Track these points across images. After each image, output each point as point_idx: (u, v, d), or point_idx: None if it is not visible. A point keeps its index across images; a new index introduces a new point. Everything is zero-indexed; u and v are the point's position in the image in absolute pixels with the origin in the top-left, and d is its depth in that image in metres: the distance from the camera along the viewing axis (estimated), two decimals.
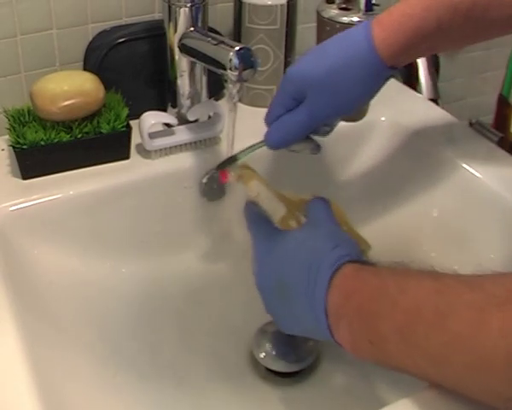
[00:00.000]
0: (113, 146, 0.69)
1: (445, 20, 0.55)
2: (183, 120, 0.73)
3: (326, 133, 0.61)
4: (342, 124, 0.79)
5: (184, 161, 0.71)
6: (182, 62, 0.70)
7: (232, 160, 0.61)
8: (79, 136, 0.67)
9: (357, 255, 0.50)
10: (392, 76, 0.61)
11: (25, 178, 0.67)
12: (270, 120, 0.60)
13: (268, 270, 0.55)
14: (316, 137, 0.61)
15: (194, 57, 0.68)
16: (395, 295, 0.44)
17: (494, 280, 0.41)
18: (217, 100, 0.79)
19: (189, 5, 0.67)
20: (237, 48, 0.60)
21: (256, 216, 0.59)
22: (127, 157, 0.71)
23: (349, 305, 0.46)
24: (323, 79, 0.57)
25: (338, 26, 0.74)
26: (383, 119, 0.79)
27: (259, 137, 0.76)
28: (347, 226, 0.58)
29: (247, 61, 0.60)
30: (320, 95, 0.57)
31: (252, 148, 0.61)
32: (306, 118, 0.58)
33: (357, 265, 0.48)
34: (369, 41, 0.56)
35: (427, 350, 0.41)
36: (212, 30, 0.73)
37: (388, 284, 0.45)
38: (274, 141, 0.60)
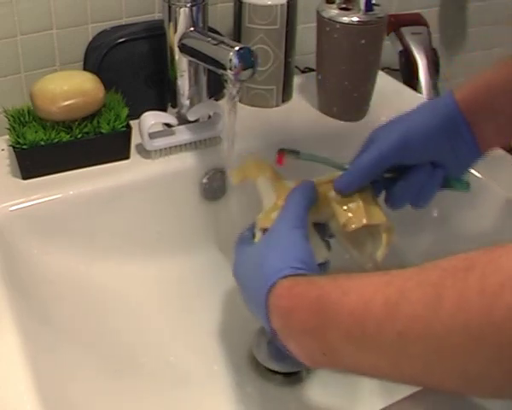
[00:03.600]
0: (113, 146, 0.69)
1: None
2: (183, 120, 0.73)
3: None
4: (342, 124, 0.79)
5: (184, 161, 0.71)
6: (182, 62, 0.70)
7: (295, 153, 0.60)
8: (79, 136, 0.67)
9: (297, 266, 0.48)
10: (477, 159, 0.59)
11: (25, 178, 0.67)
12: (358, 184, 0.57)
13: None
14: None
15: (194, 57, 0.68)
16: (338, 300, 0.42)
17: (447, 258, 0.38)
18: (217, 100, 0.79)
19: (189, 5, 0.67)
20: (237, 48, 0.60)
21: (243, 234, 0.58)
22: (127, 157, 0.71)
23: (291, 325, 0.45)
24: (395, 119, 0.58)
25: (338, 26, 0.74)
26: (383, 119, 0.79)
27: (260, 137, 0.76)
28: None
29: (247, 61, 0.61)
30: (389, 130, 0.57)
31: (317, 158, 0.60)
32: (369, 154, 0.57)
33: (291, 280, 0.46)
34: (450, 95, 0.57)
35: (380, 347, 0.39)
36: (212, 30, 0.73)
37: (329, 290, 0.43)
38: (338, 182, 0.57)
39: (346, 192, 0.57)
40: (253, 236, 0.57)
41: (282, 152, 0.59)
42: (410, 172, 0.57)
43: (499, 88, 0.56)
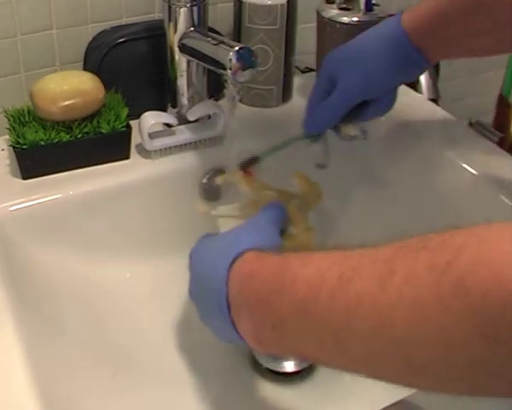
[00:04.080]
0: (113, 146, 0.69)
1: (462, 10, 0.58)
2: (183, 120, 0.73)
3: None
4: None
5: (184, 161, 0.71)
6: (182, 62, 0.70)
7: (255, 160, 0.62)
8: (79, 136, 0.67)
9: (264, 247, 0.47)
10: (426, 69, 0.64)
11: (25, 178, 0.67)
12: (308, 109, 0.62)
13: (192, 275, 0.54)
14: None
15: (194, 57, 0.68)
16: (297, 270, 0.41)
17: (405, 238, 0.38)
18: (217, 100, 0.78)
19: (188, 5, 0.67)
20: (237, 48, 0.60)
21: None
22: (127, 157, 0.71)
23: (248, 288, 0.44)
24: (353, 57, 0.60)
25: (338, 26, 0.74)
26: (383, 119, 0.79)
27: (260, 137, 0.76)
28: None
29: (247, 61, 0.61)
30: (350, 72, 0.59)
31: (275, 147, 0.62)
32: (338, 98, 0.60)
33: (258, 251, 0.46)
34: (397, 21, 0.60)
35: (329, 321, 0.38)
36: (212, 30, 0.73)
37: (290, 260, 0.43)
38: (309, 126, 0.62)
39: (316, 134, 0.62)
40: None
41: (244, 168, 0.61)
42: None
43: (450, 12, 0.59)
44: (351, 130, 0.64)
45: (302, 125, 0.63)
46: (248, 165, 0.62)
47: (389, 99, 0.65)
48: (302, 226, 0.57)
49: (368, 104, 0.63)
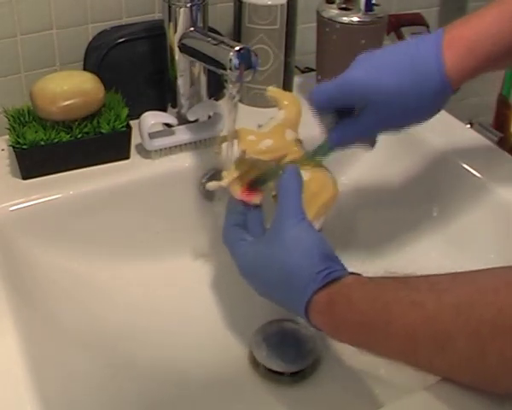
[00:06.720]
0: (113, 146, 0.69)
1: None
2: (183, 120, 0.73)
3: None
4: None
5: (184, 161, 0.71)
6: (182, 62, 0.70)
7: (262, 181, 0.60)
8: (79, 136, 0.67)
9: (325, 270, 0.50)
10: None
11: (25, 178, 0.67)
12: (319, 104, 0.59)
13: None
14: None
15: (194, 57, 0.68)
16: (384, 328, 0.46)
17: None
18: (217, 100, 0.78)
19: (188, 5, 0.67)
20: (237, 48, 0.60)
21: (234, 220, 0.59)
22: (127, 157, 0.71)
23: (339, 337, 0.50)
24: (393, 93, 0.55)
25: (338, 26, 0.74)
26: None
27: None
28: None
29: (247, 61, 0.61)
30: (388, 107, 0.56)
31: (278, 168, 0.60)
32: (372, 125, 0.58)
33: (326, 295, 0.49)
34: (440, 65, 0.54)
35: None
36: (212, 30, 0.73)
37: (372, 318, 0.46)
38: (335, 141, 0.60)
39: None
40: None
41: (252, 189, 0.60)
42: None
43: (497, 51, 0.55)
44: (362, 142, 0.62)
45: (328, 135, 0.60)
46: (259, 184, 0.60)
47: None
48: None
49: None
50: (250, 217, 0.59)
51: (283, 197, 0.55)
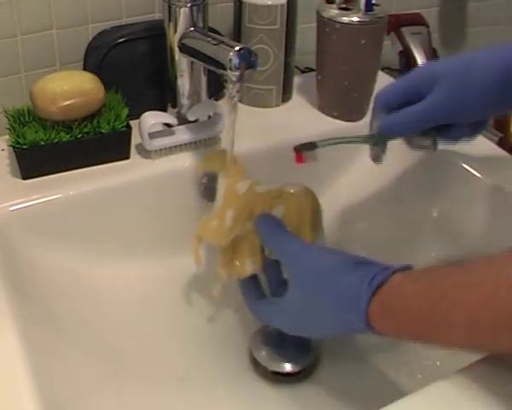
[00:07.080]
0: (113, 146, 0.69)
1: None
2: (183, 120, 0.73)
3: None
4: (342, 124, 0.79)
5: (184, 161, 0.71)
6: (182, 62, 0.70)
7: (312, 146, 0.59)
8: (79, 136, 0.67)
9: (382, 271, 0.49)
10: None
11: (25, 178, 0.67)
12: (384, 101, 0.59)
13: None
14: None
15: (194, 57, 0.68)
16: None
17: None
18: (217, 100, 0.79)
19: (189, 5, 0.67)
20: (237, 48, 0.60)
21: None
22: (127, 157, 0.71)
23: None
24: (457, 70, 0.55)
25: (338, 26, 0.74)
26: None
27: (260, 137, 0.76)
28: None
29: (247, 61, 0.61)
30: (451, 84, 0.55)
31: (335, 140, 0.59)
32: (428, 108, 0.56)
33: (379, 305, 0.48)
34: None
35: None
36: (212, 30, 0.73)
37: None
38: (389, 126, 0.58)
39: (387, 138, 0.58)
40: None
41: (298, 150, 0.58)
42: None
43: None
44: (423, 140, 0.61)
45: (379, 124, 0.59)
46: (304, 148, 0.58)
47: (475, 129, 0.61)
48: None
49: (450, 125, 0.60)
50: (263, 282, 0.61)
51: (274, 244, 0.56)
